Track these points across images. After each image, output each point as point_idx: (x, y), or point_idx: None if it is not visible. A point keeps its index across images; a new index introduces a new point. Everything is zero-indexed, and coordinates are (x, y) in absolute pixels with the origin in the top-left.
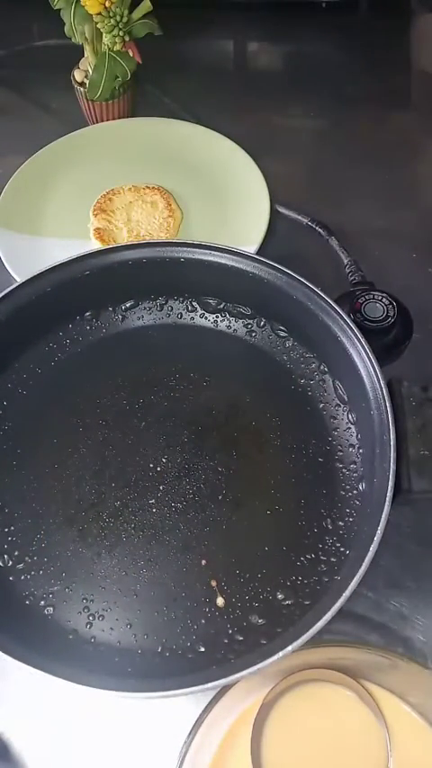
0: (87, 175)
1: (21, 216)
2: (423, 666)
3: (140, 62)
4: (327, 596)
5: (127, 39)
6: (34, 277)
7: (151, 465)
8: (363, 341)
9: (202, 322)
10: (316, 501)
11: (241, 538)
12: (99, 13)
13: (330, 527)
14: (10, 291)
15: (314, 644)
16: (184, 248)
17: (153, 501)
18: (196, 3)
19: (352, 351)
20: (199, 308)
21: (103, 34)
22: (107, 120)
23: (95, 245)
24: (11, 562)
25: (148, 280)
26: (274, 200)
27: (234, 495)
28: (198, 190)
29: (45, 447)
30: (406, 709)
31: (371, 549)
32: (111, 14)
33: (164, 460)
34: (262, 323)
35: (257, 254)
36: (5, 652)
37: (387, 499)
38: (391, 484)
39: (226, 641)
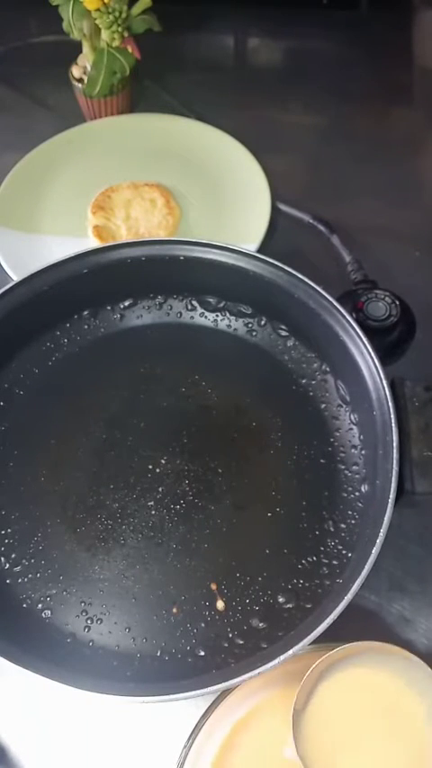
0: (85, 172)
1: (18, 213)
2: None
3: (139, 58)
4: (328, 599)
5: (126, 34)
6: (32, 275)
7: (150, 466)
8: (365, 340)
9: (202, 321)
10: (317, 503)
11: (242, 540)
12: (98, 9)
13: (332, 529)
14: (7, 290)
15: (316, 648)
16: (184, 246)
17: (152, 503)
18: None
19: (354, 350)
20: (199, 307)
21: (102, 30)
22: (105, 116)
23: (94, 242)
24: (8, 565)
25: (147, 278)
26: (275, 198)
27: (234, 496)
28: (198, 187)
29: (42, 448)
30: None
31: (373, 551)
32: (109, 10)
33: (163, 462)
34: (263, 322)
35: (258, 252)
36: (3, 656)
37: (390, 501)
38: (393, 485)
39: (226, 645)
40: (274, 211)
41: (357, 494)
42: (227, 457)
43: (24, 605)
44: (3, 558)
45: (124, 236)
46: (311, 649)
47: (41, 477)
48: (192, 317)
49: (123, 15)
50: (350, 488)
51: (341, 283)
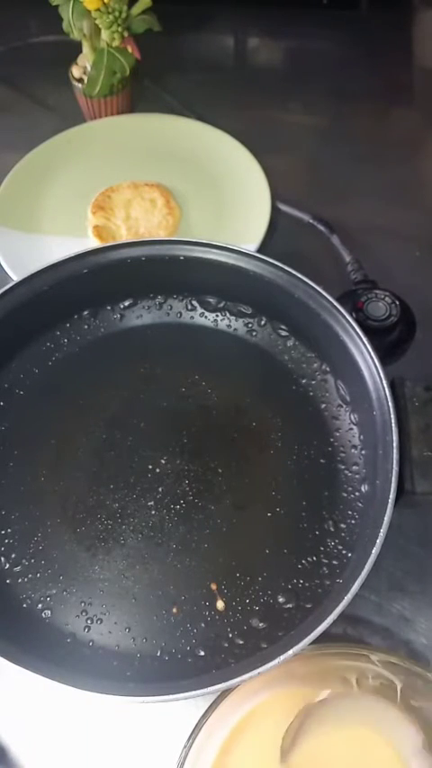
0: (85, 172)
1: (18, 213)
2: (425, 670)
3: (139, 58)
4: (328, 599)
5: (126, 34)
6: (32, 275)
7: (150, 466)
8: (365, 340)
9: (202, 321)
10: (317, 503)
11: (242, 540)
12: (98, 9)
13: (332, 529)
14: (7, 290)
15: (316, 648)
16: (184, 246)
17: (152, 503)
18: None
19: (354, 350)
20: (199, 307)
21: (102, 30)
22: (105, 116)
23: (94, 242)
24: (8, 565)
25: (147, 278)
26: (274, 198)
27: (234, 496)
28: (198, 187)
29: (42, 448)
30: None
31: (373, 551)
32: (109, 10)
33: (163, 462)
34: (263, 322)
35: (258, 252)
36: (3, 656)
37: (390, 501)
38: (393, 485)
39: (226, 645)
40: (274, 211)
41: (357, 494)
42: (227, 457)
43: (24, 605)
44: (3, 558)
45: (124, 236)
46: (311, 649)
47: (41, 477)
48: (192, 317)
49: (123, 15)
50: (350, 488)
51: (341, 283)
